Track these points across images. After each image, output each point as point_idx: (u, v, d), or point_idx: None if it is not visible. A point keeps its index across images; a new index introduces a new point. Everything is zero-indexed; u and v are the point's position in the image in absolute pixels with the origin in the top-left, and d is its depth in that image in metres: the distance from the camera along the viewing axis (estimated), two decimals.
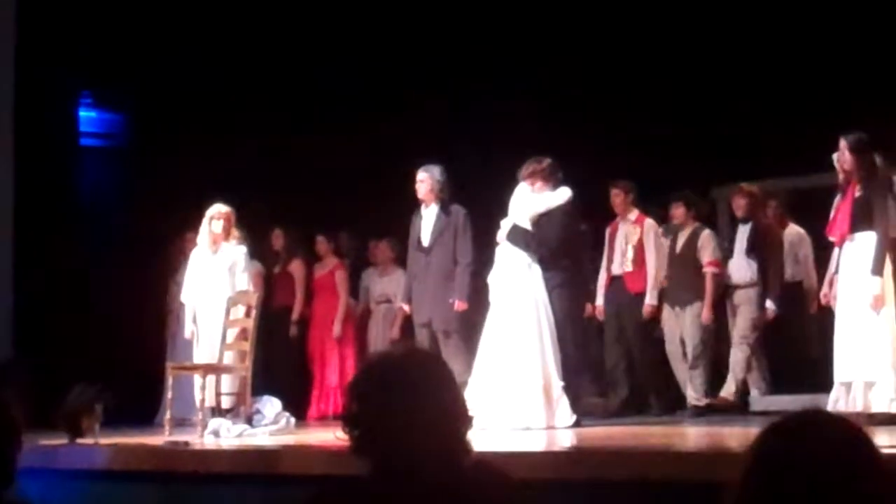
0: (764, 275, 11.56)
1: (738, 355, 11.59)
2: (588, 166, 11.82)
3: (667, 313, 11.91)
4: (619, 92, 12.83)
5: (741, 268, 11.67)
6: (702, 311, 11.68)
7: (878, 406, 8.74)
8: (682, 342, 11.72)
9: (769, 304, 11.47)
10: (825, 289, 9.40)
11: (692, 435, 9.63)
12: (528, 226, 10.15)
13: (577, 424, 9.75)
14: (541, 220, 10.17)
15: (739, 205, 11.73)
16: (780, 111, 11.83)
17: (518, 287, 9.95)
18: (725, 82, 12.33)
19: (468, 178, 11.35)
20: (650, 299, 11.92)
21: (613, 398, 11.93)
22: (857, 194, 9.00)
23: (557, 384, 9.78)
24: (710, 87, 12.41)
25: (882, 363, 8.74)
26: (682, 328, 11.75)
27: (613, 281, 12.04)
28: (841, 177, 9.18)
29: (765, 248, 11.63)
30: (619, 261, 12.06)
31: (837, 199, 9.23)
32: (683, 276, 11.77)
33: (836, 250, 9.26)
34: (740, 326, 11.59)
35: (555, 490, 5.85)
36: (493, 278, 10.20)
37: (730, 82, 12.30)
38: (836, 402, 8.92)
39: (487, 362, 9.85)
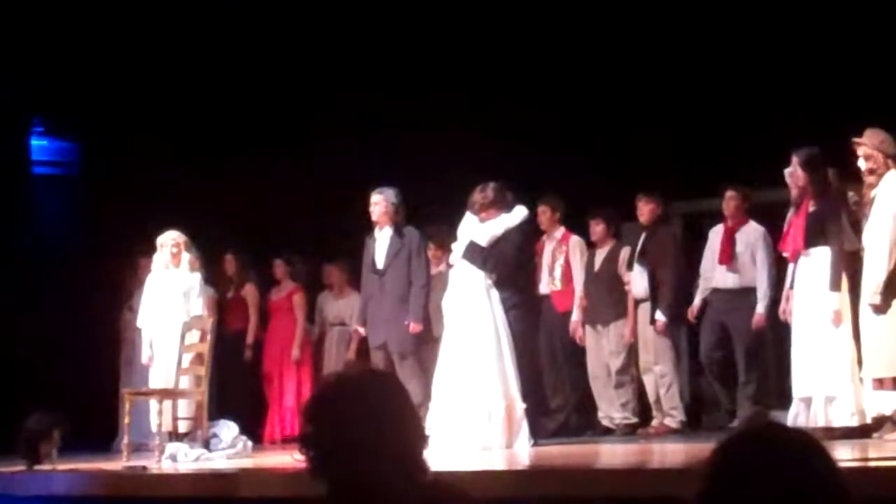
0: (654, 285, 11.36)
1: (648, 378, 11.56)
2: (541, 188, 11.88)
3: (588, 333, 11.84)
4: (570, 111, 12.84)
5: (637, 280, 11.52)
6: (624, 329, 11.65)
7: (840, 420, 8.77)
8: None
9: (658, 314, 11.28)
10: (782, 304, 9.42)
11: (647, 452, 9.66)
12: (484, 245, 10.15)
13: (533, 444, 9.77)
14: (498, 242, 10.17)
15: (643, 211, 11.57)
16: (731, 127, 11.85)
17: (477, 309, 9.94)
18: (678, 101, 12.36)
19: (422, 200, 11.34)
20: (576, 317, 11.85)
21: (553, 418, 11.84)
22: (811, 209, 9.05)
23: (520, 405, 9.79)
24: (663, 103, 12.43)
25: (842, 377, 8.77)
26: (605, 347, 11.71)
27: (542, 300, 11.85)
28: (794, 192, 9.23)
29: (656, 257, 11.40)
30: (546, 279, 11.97)
31: (790, 214, 9.28)
32: (603, 295, 11.71)
33: (790, 266, 9.30)
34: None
35: None
36: (448, 301, 10.19)
37: (683, 101, 12.33)
38: (797, 416, 8.96)
39: (446, 384, 9.84)
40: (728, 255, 10.96)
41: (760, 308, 10.76)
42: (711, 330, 11.05)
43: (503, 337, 9.87)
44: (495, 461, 8.79)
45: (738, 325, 10.88)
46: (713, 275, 11.09)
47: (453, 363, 9.87)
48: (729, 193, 11.09)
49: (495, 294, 10.01)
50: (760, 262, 10.88)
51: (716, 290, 11.05)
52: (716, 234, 11.18)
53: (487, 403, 9.65)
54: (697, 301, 11.15)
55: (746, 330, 10.81)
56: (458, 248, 10.25)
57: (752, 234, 11.01)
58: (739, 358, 10.88)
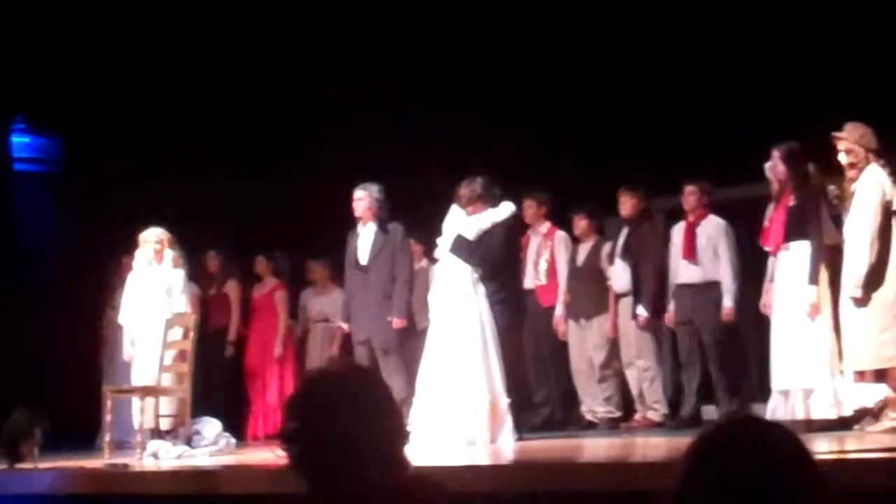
0: (636, 279, 11.37)
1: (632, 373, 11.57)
2: (527, 182, 11.89)
3: (571, 327, 11.86)
4: (556, 106, 12.84)
5: (619, 275, 11.54)
6: (606, 323, 11.65)
7: (818, 413, 8.81)
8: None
9: (640, 309, 11.29)
10: (762, 298, 9.45)
11: (631, 446, 9.68)
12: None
13: (517, 439, 9.78)
14: (483, 236, 10.17)
15: (625, 205, 11.58)
16: (713, 122, 11.86)
17: (463, 303, 9.94)
18: (660, 96, 12.37)
19: (405, 196, 11.34)
20: (560, 312, 11.87)
21: (537, 412, 11.86)
22: (791, 204, 9.08)
23: (504, 400, 9.80)
24: (645, 99, 12.44)
25: (820, 370, 8.82)
26: (588, 342, 11.73)
27: (526, 295, 11.74)
28: (774, 187, 9.26)
29: (639, 251, 11.40)
30: (531, 274, 11.97)
31: (771, 208, 9.31)
32: (586, 289, 11.72)
33: (770, 259, 9.33)
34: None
35: (496, 503, 5.86)
36: (434, 296, 10.20)
37: (665, 95, 12.34)
38: (775, 410, 9.00)
39: (432, 379, 9.85)
40: (690, 250, 10.97)
41: (727, 301, 10.79)
42: (683, 326, 11.07)
43: (488, 332, 9.88)
44: (479, 456, 8.80)
45: (705, 319, 10.89)
46: (678, 270, 11.10)
47: (439, 357, 9.88)
48: (688, 188, 11.11)
49: (481, 288, 10.02)
50: (723, 255, 10.89)
51: (681, 286, 11.04)
52: (678, 231, 11.20)
53: (472, 398, 9.67)
54: (672, 306, 11.15)
55: (714, 324, 10.83)
56: (443, 242, 10.26)
57: (713, 227, 11.01)
58: (710, 352, 10.88)
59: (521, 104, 12.80)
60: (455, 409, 9.64)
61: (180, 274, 11.05)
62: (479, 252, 10.09)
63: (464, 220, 10.19)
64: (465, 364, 9.75)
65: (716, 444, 2.40)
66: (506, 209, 10.33)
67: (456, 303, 9.95)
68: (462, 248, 10.10)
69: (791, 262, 9.06)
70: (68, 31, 13.71)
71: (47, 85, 13.77)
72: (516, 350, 10.61)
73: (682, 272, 11.03)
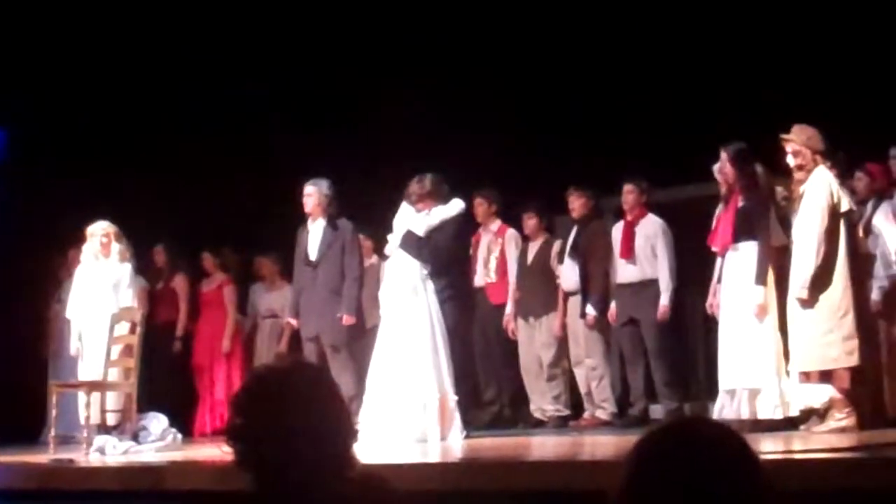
0: (584, 278, 11.39)
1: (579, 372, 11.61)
2: (478, 180, 11.90)
3: (520, 325, 11.87)
4: (508, 104, 12.86)
5: (567, 274, 11.57)
6: (555, 322, 11.67)
7: (764, 413, 8.86)
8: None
9: (589, 308, 11.30)
10: (709, 298, 9.49)
11: (579, 445, 9.70)
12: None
13: (466, 436, 9.79)
14: (433, 232, 10.18)
15: (574, 205, 11.60)
16: (662, 123, 11.91)
17: (412, 300, 9.95)
18: (608, 95, 12.40)
19: (355, 192, 11.32)
20: (510, 310, 11.88)
21: (486, 410, 11.89)
22: (740, 205, 9.12)
23: (452, 397, 9.82)
24: (596, 98, 12.47)
25: (766, 371, 8.87)
26: (537, 340, 11.75)
27: (476, 293, 11.90)
28: (723, 188, 9.30)
29: (587, 250, 11.42)
30: (481, 272, 12.00)
31: (719, 209, 9.35)
32: (536, 288, 11.75)
33: (718, 260, 9.37)
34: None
35: (444, 501, 5.86)
36: (384, 292, 10.20)
37: (613, 95, 12.37)
38: (722, 409, 9.04)
39: (381, 376, 9.85)
40: (628, 249, 11.02)
41: (664, 300, 10.84)
42: (625, 327, 11.10)
43: (437, 328, 9.89)
44: (428, 453, 8.80)
45: (646, 319, 10.94)
46: (616, 270, 11.13)
47: (388, 354, 9.89)
48: (627, 187, 11.17)
49: (430, 285, 10.03)
50: (661, 253, 10.95)
51: (620, 286, 11.09)
52: (617, 230, 11.24)
53: (422, 395, 9.68)
54: (613, 305, 11.17)
55: (653, 322, 10.87)
56: (394, 238, 10.25)
57: (651, 226, 11.07)
58: (651, 351, 10.92)
59: (472, 102, 12.79)
60: (404, 407, 9.65)
61: (127, 268, 10.99)
62: (428, 248, 10.10)
63: (413, 217, 10.19)
64: (415, 361, 9.76)
65: (660, 443, 2.40)
66: (455, 206, 10.34)
67: (405, 299, 9.96)
68: (411, 243, 10.10)
69: (738, 263, 9.10)
70: (10, 21, 13.59)
71: None
72: (465, 347, 10.62)
73: (621, 271, 11.09)
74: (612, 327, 11.22)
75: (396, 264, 10.19)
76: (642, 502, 2.32)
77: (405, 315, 9.91)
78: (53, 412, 10.25)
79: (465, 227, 10.78)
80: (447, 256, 10.22)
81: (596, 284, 11.29)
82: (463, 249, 10.88)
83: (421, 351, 9.79)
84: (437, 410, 9.69)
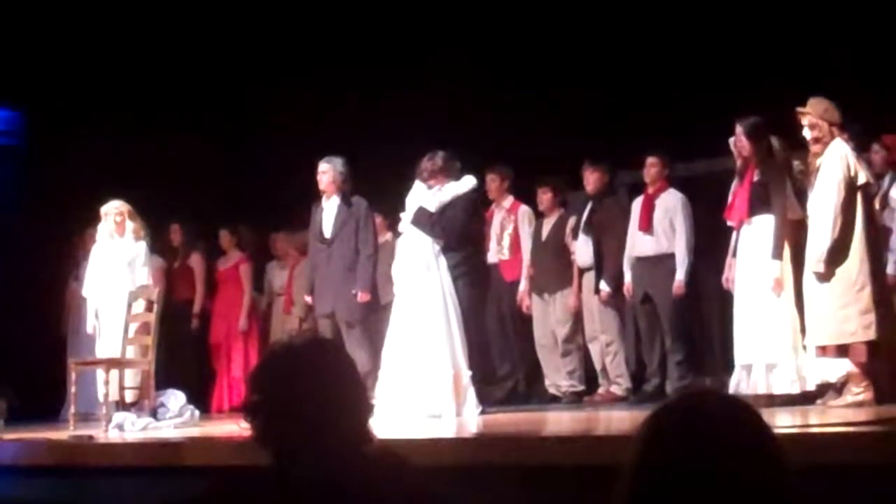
0: (599, 254, 11.37)
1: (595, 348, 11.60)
2: (491, 156, 11.89)
3: (535, 301, 11.87)
4: (521, 79, 12.83)
5: (582, 249, 11.54)
6: (570, 298, 11.65)
7: (780, 388, 8.86)
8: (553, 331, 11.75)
9: (603, 284, 11.28)
10: (725, 273, 9.47)
11: (594, 420, 9.71)
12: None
13: (481, 412, 9.80)
14: (446, 209, 10.18)
15: (589, 180, 11.58)
16: (678, 96, 11.86)
17: (425, 276, 9.96)
18: (625, 70, 12.36)
19: (369, 169, 11.32)
20: (524, 286, 11.88)
21: (501, 386, 11.89)
22: (756, 178, 9.10)
23: (466, 373, 9.82)
24: (611, 73, 12.43)
25: (782, 345, 8.86)
26: (551, 316, 11.75)
27: (490, 269, 11.76)
28: (738, 162, 9.28)
29: (602, 226, 11.39)
30: (494, 248, 11.98)
31: (735, 183, 9.33)
32: (550, 264, 11.73)
33: (734, 234, 9.36)
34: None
35: (459, 476, 5.87)
36: (397, 269, 10.20)
37: (630, 69, 12.33)
38: (738, 384, 9.04)
39: (396, 352, 9.87)
40: (647, 222, 10.98)
41: (680, 275, 10.80)
42: (642, 305, 11.09)
43: (451, 304, 9.89)
44: (443, 429, 8.81)
45: (660, 293, 10.91)
46: (634, 243, 11.08)
47: (403, 330, 9.90)
48: (650, 160, 11.11)
49: (443, 261, 10.03)
50: (679, 228, 10.88)
51: (637, 259, 11.03)
52: (637, 203, 11.21)
53: (436, 371, 9.68)
54: (628, 278, 11.13)
55: (669, 298, 10.85)
56: (406, 216, 10.25)
57: (671, 200, 11.01)
58: (665, 325, 10.91)
59: (485, 79, 12.78)
60: (419, 382, 9.66)
61: (142, 246, 11.05)
62: (440, 224, 10.09)
63: (425, 194, 10.19)
64: (428, 337, 9.77)
65: (672, 417, 2.40)
66: (467, 182, 10.33)
67: (418, 275, 9.96)
68: (423, 220, 10.10)
69: (754, 237, 9.09)
70: (24, 3, 13.61)
71: (8, 57, 13.66)
72: (479, 324, 10.61)
73: (638, 244, 11.03)
74: (627, 303, 11.20)
75: (409, 241, 10.19)
76: (653, 478, 2.33)
77: (418, 291, 9.92)
78: (73, 389, 10.31)
79: (478, 202, 10.74)
80: (460, 232, 10.20)
81: (610, 260, 11.26)
82: (477, 225, 10.85)
83: (434, 327, 9.80)
84: (452, 386, 9.71)
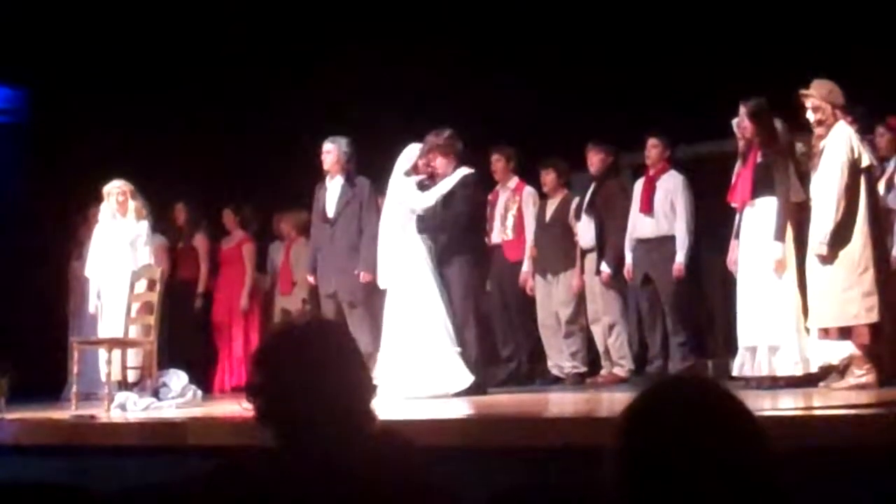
0: (601, 235, 11.37)
1: (595, 329, 11.61)
2: (496, 137, 11.89)
3: (538, 282, 11.87)
4: (525, 58, 12.80)
5: (584, 231, 11.55)
6: (573, 279, 11.67)
7: (783, 370, 8.85)
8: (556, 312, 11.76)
9: (604, 266, 11.28)
10: (728, 255, 9.46)
11: (597, 401, 9.70)
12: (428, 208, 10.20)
13: (482, 392, 9.81)
14: (445, 200, 10.20)
15: (592, 161, 11.57)
16: (681, 78, 11.83)
17: (412, 258, 10.04)
18: (628, 51, 12.33)
19: (373, 150, 11.30)
20: (526, 267, 11.89)
21: (504, 366, 11.88)
22: (759, 160, 9.09)
23: (454, 349, 9.86)
24: (614, 53, 12.40)
25: (786, 327, 8.85)
26: (554, 297, 11.75)
27: (493, 249, 11.83)
28: (741, 143, 9.26)
29: (604, 207, 11.40)
30: (498, 229, 11.97)
31: (738, 165, 9.32)
32: (554, 245, 11.73)
33: (737, 216, 9.35)
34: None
35: (462, 457, 5.88)
36: (381, 258, 10.26)
37: (633, 51, 12.30)
38: (742, 366, 9.04)
39: (393, 334, 9.90)
40: (647, 204, 10.97)
41: (680, 257, 10.77)
42: (639, 281, 11.08)
43: (435, 283, 9.97)
44: (446, 410, 8.81)
45: (660, 275, 10.89)
46: (635, 225, 11.07)
47: (396, 314, 9.94)
48: (651, 141, 11.10)
49: (422, 241, 10.10)
50: (679, 209, 10.87)
51: (638, 241, 11.01)
52: (639, 185, 11.20)
53: (432, 350, 9.72)
54: (629, 260, 11.12)
55: (669, 280, 10.83)
56: (387, 207, 10.30)
57: (671, 181, 10.99)
58: (666, 307, 10.90)
59: (489, 59, 12.75)
60: (419, 363, 9.70)
61: (144, 226, 11.05)
62: (447, 221, 10.13)
63: (414, 194, 10.22)
64: (424, 318, 9.84)
65: (648, 405, 2.40)
66: (457, 175, 10.31)
67: (405, 259, 10.05)
68: (431, 225, 10.16)
69: (757, 219, 9.07)
70: None
71: (12, 35, 13.64)
72: (480, 304, 10.61)
73: (639, 226, 11.02)
74: (629, 284, 11.19)
75: (389, 228, 10.24)
76: (637, 457, 2.32)
77: (407, 273, 10.00)
78: (75, 369, 10.31)
79: (477, 187, 10.69)
80: (465, 224, 10.24)
81: (612, 242, 11.25)
82: (480, 210, 10.86)
83: (428, 306, 9.87)
84: (447, 364, 9.77)
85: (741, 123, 9.19)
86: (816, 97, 8.51)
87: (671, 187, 10.94)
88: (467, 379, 9.79)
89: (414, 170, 10.36)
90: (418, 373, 9.66)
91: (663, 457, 2.29)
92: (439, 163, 10.29)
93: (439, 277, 10.04)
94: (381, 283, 10.24)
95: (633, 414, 2.40)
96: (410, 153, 10.38)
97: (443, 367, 9.74)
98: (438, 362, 9.74)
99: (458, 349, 9.90)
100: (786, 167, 9.03)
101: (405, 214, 10.25)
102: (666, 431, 2.31)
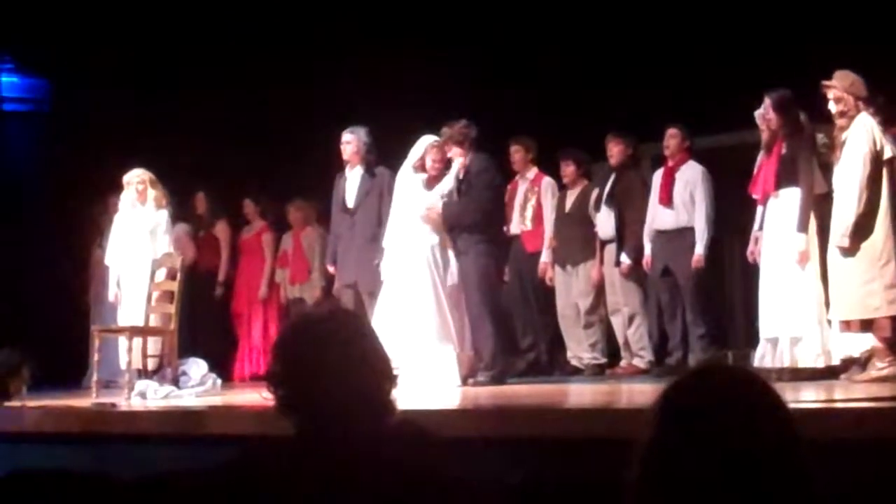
0: (621, 226, 11.36)
1: (616, 321, 11.59)
2: (515, 128, 11.87)
3: (558, 273, 11.86)
4: (544, 50, 12.79)
5: (604, 221, 11.54)
6: (593, 270, 11.65)
7: (805, 361, 8.83)
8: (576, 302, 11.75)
9: (623, 256, 11.27)
10: (750, 246, 9.44)
11: (616, 392, 9.69)
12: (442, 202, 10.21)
13: (500, 382, 9.81)
14: (468, 188, 10.20)
15: (612, 152, 11.54)
16: (703, 69, 11.81)
17: (412, 249, 10.08)
18: (650, 41, 12.30)
19: (393, 140, 11.30)
20: (546, 258, 11.87)
21: (523, 357, 11.87)
22: (783, 152, 9.05)
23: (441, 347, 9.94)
24: (636, 44, 12.37)
25: (808, 319, 8.83)
26: (574, 288, 11.74)
27: (512, 240, 11.80)
28: (765, 135, 9.23)
29: (624, 198, 11.40)
30: (517, 219, 11.94)
31: (761, 156, 9.29)
32: (573, 236, 11.71)
33: (759, 208, 9.32)
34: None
35: (481, 447, 5.88)
36: (388, 252, 10.28)
37: (655, 41, 12.27)
38: (763, 357, 9.02)
39: (381, 324, 9.93)
40: (667, 195, 10.94)
41: (699, 248, 10.74)
42: (658, 272, 11.05)
43: (437, 279, 10.03)
44: (464, 400, 8.82)
45: (680, 267, 10.85)
46: (654, 216, 11.05)
47: (389, 304, 10.05)
48: (670, 131, 11.07)
49: (430, 238, 10.09)
50: (699, 200, 10.83)
51: (658, 232, 11.00)
52: (658, 176, 11.17)
53: (416, 344, 9.75)
54: (648, 251, 11.10)
55: (689, 271, 10.79)
56: (396, 204, 10.32)
57: (691, 172, 10.96)
58: (686, 298, 10.87)
59: (509, 51, 12.74)
60: (425, 354, 9.74)
61: (164, 215, 11.07)
62: (469, 209, 10.12)
63: (421, 193, 10.22)
64: (419, 314, 9.91)
65: (685, 393, 2.39)
66: (454, 168, 10.32)
67: (407, 249, 10.07)
68: (457, 220, 10.15)
69: (780, 210, 9.05)
70: None
71: (35, 24, 13.66)
72: (498, 296, 10.60)
73: (658, 217, 11.01)
74: (649, 276, 11.17)
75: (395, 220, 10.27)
76: (667, 455, 2.31)
77: (401, 271, 10.10)
78: (96, 357, 10.34)
79: (494, 173, 10.67)
80: (489, 208, 10.24)
81: (631, 232, 11.24)
82: (500, 196, 10.85)
83: (414, 303, 9.95)
84: (456, 357, 9.80)
85: (766, 115, 9.15)
86: (839, 88, 8.47)
87: (691, 178, 10.91)
88: (453, 378, 9.80)
89: (421, 167, 10.35)
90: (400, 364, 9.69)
91: (696, 448, 2.28)
92: (454, 152, 10.28)
93: (440, 275, 10.03)
94: (382, 274, 10.23)
95: (664, 406, 2.39)
96: (422, 145, 10.37)
97: (425, 362, 9.73)
98: (421, 356, 9.72)
99: (450, 346, 9.91)
100: (810, 159, 9.00)
101: (409, 208, 10.25)
102: (698, 423, 2.30)
